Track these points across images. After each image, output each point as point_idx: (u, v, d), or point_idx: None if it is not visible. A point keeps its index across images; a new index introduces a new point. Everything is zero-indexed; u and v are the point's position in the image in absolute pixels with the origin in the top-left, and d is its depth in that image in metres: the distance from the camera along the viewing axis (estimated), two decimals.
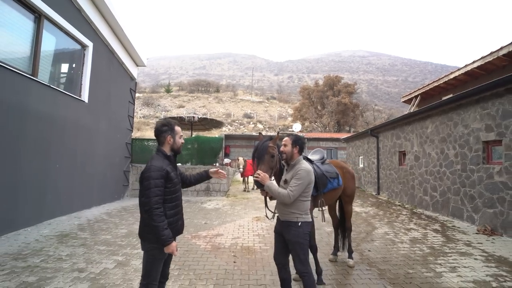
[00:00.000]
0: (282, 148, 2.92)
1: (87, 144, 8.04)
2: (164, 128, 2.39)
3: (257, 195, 11.47)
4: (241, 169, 12.29)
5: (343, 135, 23.19)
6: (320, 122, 33.61)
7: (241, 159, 12.43)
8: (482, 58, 10.35)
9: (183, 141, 2.53)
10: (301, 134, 26.35)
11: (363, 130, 20.66)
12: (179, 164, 11.18)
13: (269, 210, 3.28)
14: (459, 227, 6.60)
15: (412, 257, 4.62)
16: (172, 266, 3.74)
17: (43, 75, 6.37)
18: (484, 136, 6.51)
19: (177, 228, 2.39)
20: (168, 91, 58.96)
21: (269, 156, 2.98)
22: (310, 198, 2.82)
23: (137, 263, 4.03)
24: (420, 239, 5.63)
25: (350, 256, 4.30)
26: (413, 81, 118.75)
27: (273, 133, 29.11)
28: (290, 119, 41.69)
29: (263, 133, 29.76)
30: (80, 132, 7.66)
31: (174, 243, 2.21)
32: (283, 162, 3.02)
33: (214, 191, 10.93)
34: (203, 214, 7.58)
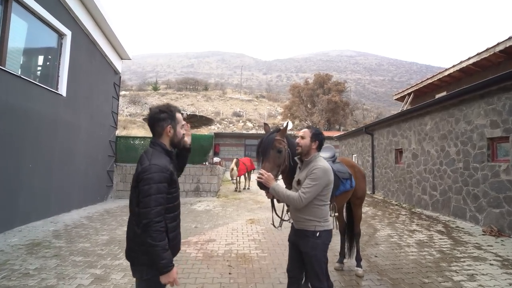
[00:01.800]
0: (298, 140, 2.44)
1: (66, 141, 7.35)
2: (162, 115, 1.81)
3: (249, 195, 10.98)
4: (234, 180, 11.69)
5: (334, 133, 22.97)
6: (310, 120, 33.38)
7: (234, 166, 11.63)
8: (477, 54, 10.18)
9: (185, 132, 1.95)
10: (291, 133, 26.05)
11: (355, 128, 20.47)
12: None
13: (278, 216, 2.79)
14: (463, 228, 6.30)
15: (423, 263, 4.24)
16: None
17: (13, 65, 5.68)
18: (489, 133, 6.23)
19: (177, 245, 1.86)
20: (155, 89, 57.59)
21: (276, 151, 2.49)
22: (329, 202, 2.36)
23: (118, 277, 3.48)
24: (426, 242, 5.28)
25: (358, 265, 3.87)
26: (399, 80, 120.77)
27: (262, 132, 28.61)
28: (279, 117, 41.40)
29: (253, 132, 29.25)
30: (58, 129, 6.97)
31: (175, 270, 1.65)
32: (296, 158, 2.55)
33: (204, 192, 10.39)
34: (193, 217, 7.04)
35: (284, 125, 2.67)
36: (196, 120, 13.57)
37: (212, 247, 4.78)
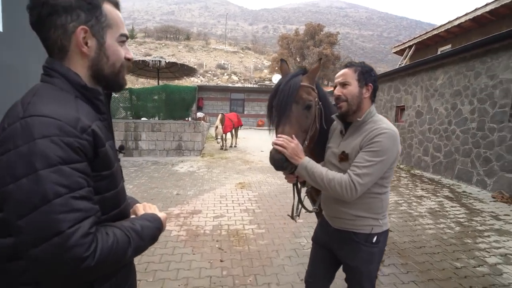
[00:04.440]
0: (338, 91, 1.47)
1: (10, 89, 5.99)
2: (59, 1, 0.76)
3: (236, 154, 10.15)
4: (219, 139, 10.44)
5: (327, 89, 21.93)
6: None
7: (219, 124, 10.13)
8: (497, 0, 9.05)
9: (131, 56, 0.94)
10: None
11: None
12: (143, 119, 9.37)
13: (304, 207, 1.90)
14: (470, 193, 5.82)
15: (445, 239, 3.65)
16: None
17: None
18: None
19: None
20: (132, 36, 52.78)
21: (302, 106, 1.52)
22: (389, 188, 1.49)
23: None
24: (439, 211, 4.72)
25: None
26: (388, 36, 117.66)
27: (249, 85, 26.97)
28: (266, 71, 39.45)
29: (239, 85, 27.65)
30: None
31: (160, 219, 0.97)
32: (333, 116, 1.60)
33: (187, 150, 9.43)
34: (175, 181, 6.18)
35: (315, 64, 1.65)
36: (176, 70, 12.08)
37: (198, 222, 3.98)
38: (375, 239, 1.42)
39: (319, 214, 2.15)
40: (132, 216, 1.02)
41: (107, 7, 0.84)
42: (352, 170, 1.31)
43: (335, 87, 1.53)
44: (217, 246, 3.28)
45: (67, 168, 0.67)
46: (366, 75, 1.45)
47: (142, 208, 1.04)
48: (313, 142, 1.67)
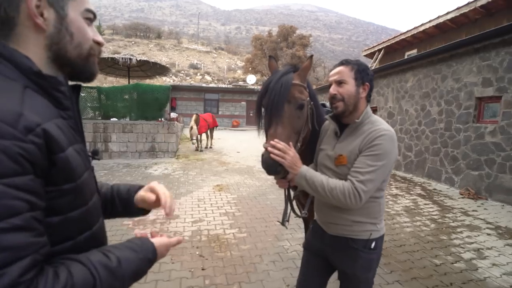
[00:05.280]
0: (333, 90, 1.39)
1: None
2: None
3: (212, 155, 9.92)
4: (194, 140, 10.11)
5: None
6: None
7: (193, 125, 9.84)
8: (457, 9, 9.65)
9: (100, 39, 0.75)
10: (254, 87, 24.59)
11: (317, 86, 19.90)
12: (113, 120, 8.85)
13: (295, 212, 1.81)
14: (440, 190, 6.10)
15: (422, 236, 3.75)
16: None
17: None
18: (479, 92, 5.78)
19: None
20: (99, 32, 50.30)
21: (294, 106, 1.44)
22: (385, 191, 1.44)
23: None
24: (414, 209, 4.88)
25: None
26: (356, 40, 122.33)
27: (223, 86, 26.60)
28: (239, 71, 39.32)
29: (213, 85, 27.25)
30: None
31: (161, 247, 0.79)
32: (327, 117, 1.52)
33: (161, 152, 9.06)
34: None
35: (306, 61, 1.57)
36: (148, 68, 11.64)
37: (176, 227, 3.78)
38: (373, 244, 1.36)
39: (307, 219, 2.09)
40: (148, 194, 0.85)
41: None
42: (355, 177, 1.23)
43: (329, 86, 1.45)
44: (197, 253, 3.10)
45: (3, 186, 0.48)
46: (363, 73, 1.39)
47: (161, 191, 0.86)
48: (305, 144, 1.60)
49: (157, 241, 0.77)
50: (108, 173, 6.74)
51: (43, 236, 0.55)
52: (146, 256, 0.72)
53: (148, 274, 2.54)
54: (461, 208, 4.98)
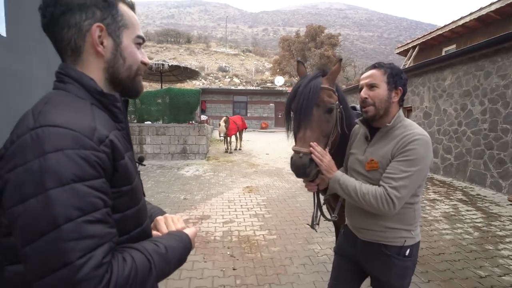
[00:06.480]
0: (364, 93, 1.37)
1: (14, 96, 5.91)
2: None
3: (242, 157, 10.04)
4: (222, 137, 10.37)
5: None
6: None
7: (222, 123, 10.16)
8: None
9: (147, 60, 0.86)
10: (283, 89, 24.48)
11: (347, 86, 19.37)
12: (147, 123, 9.27)
13: (324, 216, 1.79)
14: (485, 196, 5.68)
15: (464, 245, 3.52)
16: None
17: None
18: None
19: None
20: None
21: (323, 110, 1.45)
22: (421, 197, 1.40)
23: None
24: (454, 215, 4.59)
25: None
26: (388, 37, 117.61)
27: (251, 88, 26.79)
28: (267, 73, 39.39)
29: (241, 88, 27.56)
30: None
31: (190, 234, 0.89)
32: (357, 121, 1.50)
33: (192, 154, 9.33)
34: (181, 185, 6.07)
35: (335, 65, 1.57)
36: (179, 73, 12.02)
37: (207, 227, 3.87)
38: (408, 252, 1.31)
39: (338, 223, 2.05)
40: (154, 232, 0.91)
41: (123, 7, 0.79)
42: (387, 183, 1.20)
43: (361, 89, 1.43)
44: (228, 253, 3.16)
45: (82, 186, 0.59)
46: (396, 77, 1.36)
47: (164, 222, 0.92)
48: (334, 148, 1.59)
49: (188, 231, 0.86)
50: (143, 174, 7.01)
51: (114, 228, 0.65)
52: (185, 245, 0.82)
53: (182, 271, 2.65)
54: (510, 216, 4.60)
